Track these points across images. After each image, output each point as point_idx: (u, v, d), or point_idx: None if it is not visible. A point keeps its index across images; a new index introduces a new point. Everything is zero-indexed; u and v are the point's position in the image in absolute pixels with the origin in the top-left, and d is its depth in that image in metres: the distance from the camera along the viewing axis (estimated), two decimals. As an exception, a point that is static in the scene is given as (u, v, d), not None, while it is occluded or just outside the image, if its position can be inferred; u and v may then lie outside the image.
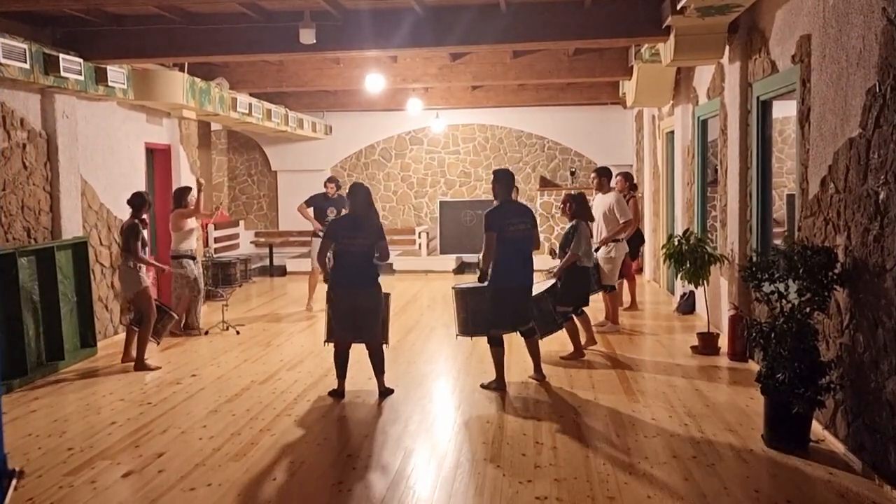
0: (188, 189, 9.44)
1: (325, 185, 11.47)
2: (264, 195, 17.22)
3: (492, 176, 7.08)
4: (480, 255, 6.90)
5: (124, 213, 9.40)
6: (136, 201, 8.09)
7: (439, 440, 5.59)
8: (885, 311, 4.40)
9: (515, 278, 6.78)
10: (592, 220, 8.65)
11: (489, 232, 6.69)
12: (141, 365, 7.76)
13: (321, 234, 11.01)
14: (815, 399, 4.94)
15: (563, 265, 7.82)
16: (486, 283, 6.86)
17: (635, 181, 11.56)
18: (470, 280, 7.99)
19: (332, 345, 6.83)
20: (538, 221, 7.15)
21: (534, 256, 6.96)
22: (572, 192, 8.75)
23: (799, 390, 4.91)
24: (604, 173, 9.55)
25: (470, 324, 7.20)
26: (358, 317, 6.58)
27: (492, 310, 6.81)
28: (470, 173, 16.82)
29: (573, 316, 7.87)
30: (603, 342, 8.39)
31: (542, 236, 7.91)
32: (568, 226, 8.04)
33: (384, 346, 6.84)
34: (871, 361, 4.60)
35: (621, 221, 9.03)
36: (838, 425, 5.14)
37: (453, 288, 7.48)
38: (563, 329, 7.76)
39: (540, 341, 7.19)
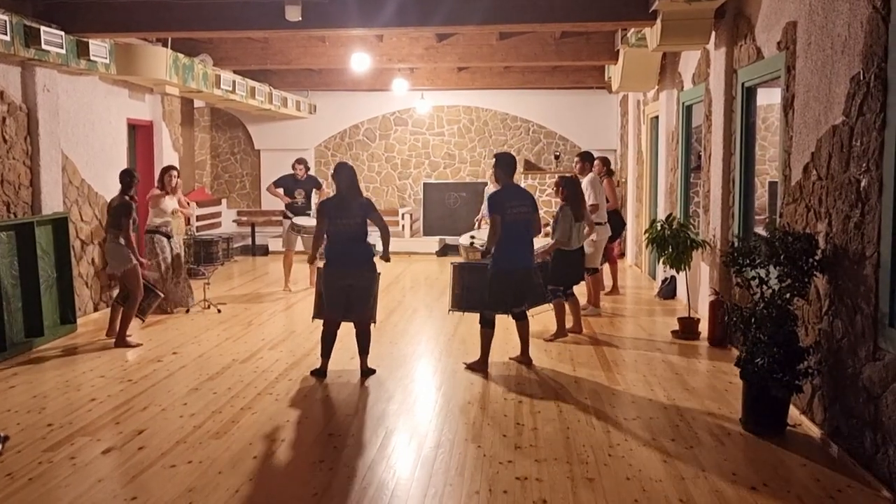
0: (168, 170, 9.39)
1: (294, 167, 11.40)
2: (247, 174, 17.10)
3: (493, 159, 7.07)
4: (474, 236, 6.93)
5: (106, 189, 9.36)
6: (126, 179, 8.01)
7: (421, 420, 5.61)
8: (864, 298, 4.44)
9: (514, 262, 6.79)
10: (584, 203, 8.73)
11: (493, 214, 6.71)
12: (122, 342, 7.73)
13: (291, 214, 11.01)
14: (793, 384, 5.00)
15: (547, 250, 7.96)
16: (487, 263, 6.91)
17: (612, 165, 11.62)
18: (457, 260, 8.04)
19: (315, 324, 6.83)
20: (538, 207, 7.24)
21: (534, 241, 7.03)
22: (566, 175, 8.81)
23: (777, 375, 4.97)
24: (586, 158, 9.62)
25: (464, 299, 7.23)
26: (351, 297, 6.58)
27: (489, 291, 6.83)
28: (454, 155, 16.78)
29: (562, 296, 7.93)
30: (585, 325, 8.42)
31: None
32: (558, 209, 8.15)
33: (373, 323, 6.85)
34: (849, 347, 4.66)
35: (588, 203, 9.06)
36: (815, 410, 5.21)
37: (452, 263, 7.52)
38: (551, 307, 7.84)
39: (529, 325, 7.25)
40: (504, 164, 6.94)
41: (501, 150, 15.01)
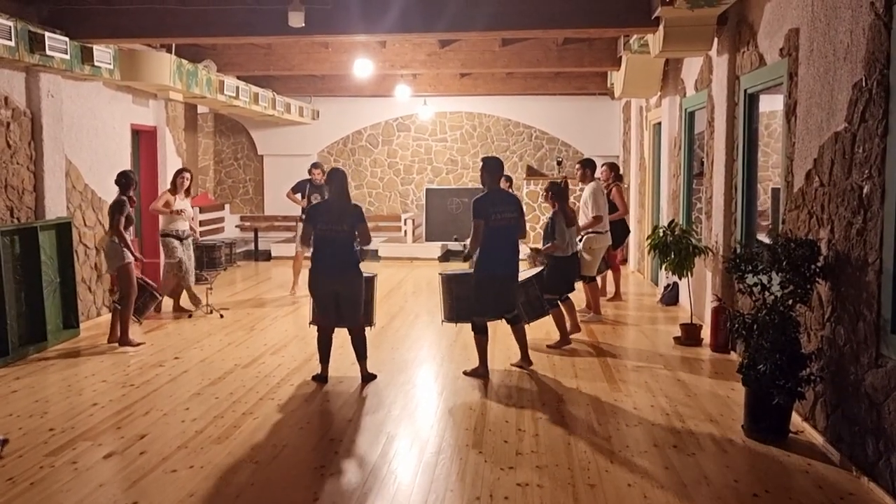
0: (181, 172, 9.50)
1: (311, 172, 11.39)
2: (250, 179, 17.14)
3: (480, 163, 7.06)
4: (467, 241, 6.93)
5: (109, 194, 9.37)
6: (122, 180, 8.07)
7: (422, 426, 5.60)
8: (867, 305, 4.44)
9: (500, 266, 6.77)
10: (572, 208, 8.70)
11: (476, 219, 6.69)
12: (125, 340, 7.79)
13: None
14: (796, 390, 4.98)
15: (546, 249, 7.96)
16: (471, 270, 6.89)
17: (621, 172, 11.56)
18: (455, 267, 8.01)
19: (315, 328, 6.83)
20: (524, 210, 7.21)
21: (520, 245, 6.98)
22: (554, 181, 8.77)
23: (779, 382, 4.95)
24: (587, 165, 9.52)
25: (455, 310, 7.22)
26: (339, 303, 6.57)
27: (476, 297, 6.82)
28: (457, 161, 16.81)
29: (559, 303, 7.91)
30: (587, 332, 8.42)
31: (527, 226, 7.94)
32: (549, 214, 8.12)
33: (369, 327, 6.84)
34: (852, 354, 4.65)
35: (591, 215, 9.01)
36: (817, 417, 5.20)
37: (440, 274, 7.50)
38: (550, 316, 7.81)
39: (525, 329, 7.21)
40: (491, 167, 6.89)
41: (503, 156, 15.09)
